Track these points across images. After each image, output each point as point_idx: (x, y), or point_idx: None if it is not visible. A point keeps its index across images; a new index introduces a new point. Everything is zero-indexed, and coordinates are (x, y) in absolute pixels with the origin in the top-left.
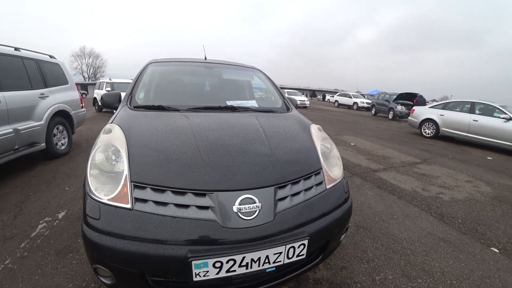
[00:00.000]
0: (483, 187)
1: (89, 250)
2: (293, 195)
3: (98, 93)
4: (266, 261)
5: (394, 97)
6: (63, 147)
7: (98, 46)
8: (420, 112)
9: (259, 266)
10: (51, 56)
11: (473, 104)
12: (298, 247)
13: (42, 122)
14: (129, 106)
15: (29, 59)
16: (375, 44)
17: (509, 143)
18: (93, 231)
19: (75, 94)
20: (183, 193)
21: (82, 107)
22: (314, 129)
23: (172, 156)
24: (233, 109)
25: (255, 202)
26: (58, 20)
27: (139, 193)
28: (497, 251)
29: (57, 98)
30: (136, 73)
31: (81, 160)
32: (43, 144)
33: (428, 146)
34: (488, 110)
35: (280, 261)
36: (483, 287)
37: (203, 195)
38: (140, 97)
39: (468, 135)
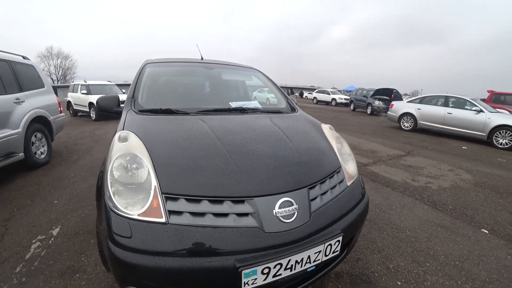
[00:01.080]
0: (464, 174)
1: (121, 272)
2: (322, 194)
3: (72, 96)
4: (308, 261)
5: (372, 92)
6: (42, 156)
7: (66, 46)
8: (399, 107)
9: (301, 266)
10: (24, 57)
11: (446, 98)
12: (334, 243)
13: (19, 129)
14: (135, 110)
15: (1, 61)
16: (349, 41)
17: (480, 133)
18: (124, 250)
19: (52, 98)
20: (220, 202)
21: (60, 112)
22: (326, 128)
23: (202, 163)
24: (242, 110)
25: (292, 205)
26: (19, 17)
27: (172, 205)
28: (487, 232)
29: (34, 103)
30: (132, 74)
31: (65, 169)
32: (21, 154)
33: (409, 139)
34: (460, 103)
35: (319, 259)
36: (482, 265)
37: (242, 202)
38: (144, 100)
39: (444, 127)
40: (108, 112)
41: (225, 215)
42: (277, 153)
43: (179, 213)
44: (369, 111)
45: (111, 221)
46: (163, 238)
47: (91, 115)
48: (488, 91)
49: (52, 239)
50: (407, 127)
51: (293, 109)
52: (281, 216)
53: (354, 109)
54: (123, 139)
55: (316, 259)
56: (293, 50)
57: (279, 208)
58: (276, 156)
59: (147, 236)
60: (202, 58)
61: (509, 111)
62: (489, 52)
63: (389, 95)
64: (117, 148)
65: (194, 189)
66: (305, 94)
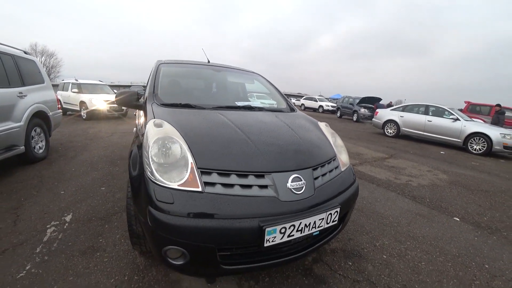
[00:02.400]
0: (440, 175)
1: (164, 233)
2: (323, 175)
3: (62, 95)
4: (313, 226)
5: (358, 100)
6: (40, 151)
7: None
8: (383, 114)
9: (309, 230)
10: (25, 52)
11: (427, 106)
12: (333, 214)
13: (21, 123)
14: (158, 104)
15: (5, 55)
16: (335, 51)
17: (457, 139)
18: (168, 214)
19: (51, 94)
20: (246, 176)
21: (58, 108)
22: (322, 125)
23: (229, 145)
24: (250, 108)
25: (301, 180)
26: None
27: (207, 178)
28: (458, 220)
29: (35, 98)
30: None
31: (64, 164)
32: (22, 148)
33: (392, 144)
34: (439, 112)
35: (322, 226)
36: (453, 244)
37: (262, 176)
38: (164, 96)
39: (424, 133)
40: (128, 105)
41: (249, 186)
42: (287, 140)
43: (212, 184)
44: (355, 118)
45: (154, 191)
46: (201, 203)
47: (82, 114)
48: (465, 102)
49: (67, 224)
50: (390, 133)
51: (292, 109)
52: (293, 189)
53: (340, 116)
54: (158, 125)
55: (320, 225)
56: (280, 58)
57: (291, 182)
58: (286, 142)
59: (187, 202)
60: (208, 61)
61: (484, 120)
62: (466, 66)
63: (374, 103)
64: (155, 132)
65: (224, 165)
66: (293, 100)
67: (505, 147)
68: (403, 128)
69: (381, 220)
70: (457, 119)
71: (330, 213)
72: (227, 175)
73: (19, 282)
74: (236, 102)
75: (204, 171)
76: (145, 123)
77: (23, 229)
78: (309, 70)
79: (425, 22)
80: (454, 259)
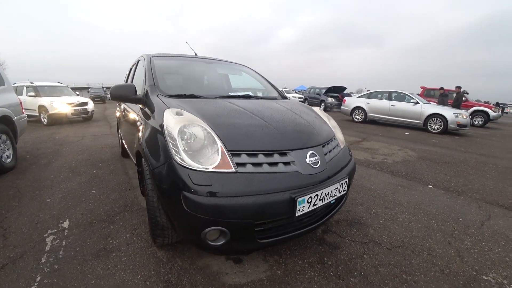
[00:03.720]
0: (409, 152)
1: (203, 215)
2: (329, 151)
3: None
4: (331, 194)
5: (324, 90)
6: (8, 160)
7: None
8: (351, 102)
9: (328, 199)
10: None
11: (390, 92)
12: (344, 183)
13: None
14: (164, 95)
15: None
16: (296, 43)
17: (418, 121)
18: (207, 196)
19: (14, 97)
20: (271, 154)
21: (23, 113)
22: (317, 109)
23: (250, 129)
24: (250, 97)
25: (316, 156)
26: None
27: (237, 159)
28: (432, 187)
29: None
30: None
31: (39, 172)
32: None
33: (361, 129)
34: (401, 97)
35: (336, 194)
36: (432, 206)
37: (285, 154)
38: (165, 88)
39: (389, 117)
40: (125, 99)
41: (275, 164)
42: (297, 122)
43: (243, 164)
44: (322, 107)
45: (189, 176)
46: (236, 183)
47: (42, 119)
48: (421, 87)
49: (66, 231)
50: (358, 119)
51: (284, 97)
52: (311, 164)
53: None
54: (179, 114)
55: (335, 194)
56: (242, 52)
57: (309, 157)
58: (297, 124)
59: (224, 182)
60: (196, 54)
61: (437, 103)
62: (419, 54)
63: (339, 92)
64: (177, 120)
65: (251, 146)
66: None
67: (458, 125)
68: (370, 114)
69: (370, 193)
70: (417, 103)
71: (342, 183)
72: (255, 155)
73: None
74: (235, 92)
75: (234, 153)
76: (157, 114)
77: (16, 242)
78: (272, 64)
79: (381, 13)
80: (435, 217)
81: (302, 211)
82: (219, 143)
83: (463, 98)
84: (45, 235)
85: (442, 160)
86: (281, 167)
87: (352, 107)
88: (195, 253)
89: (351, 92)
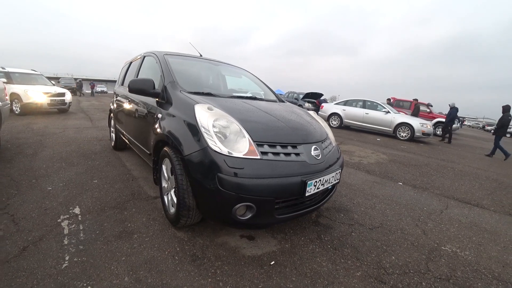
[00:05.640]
0: (381, 155)
1: (237, 192)
2: (326, 147)
3: None
4: (329, 181)
5: (302, 96)
6: None
7: None
8: (328, 108)
9: (327, 183)
10: None
11: (364, 101)
12: (338, 173)
13: None
14: (185, 92)
15: None
16: (273, 47)
17: (388, 129)
18: (240, 177)
19: None
20: (286, 146)
21: (6, 99)
22: (313, 112)
23: (269, 125)
24: (255, 98)
25: (318, 150)
26: None
27: (261, 149)
28: (402, 184)
29: None
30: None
31: (28, 161)
32: None
33: (338, 134)
34: (374, 106)
35: (332, 182)
36: (402, 198)
37: (295, 147)
38: (184, 84)
39: (363, 124)
40: (144, 93)
41: (289, 154)
42: (301, 122)
43: (266, 153)
44: None
45: (225, 161)
46: (262, 167)
47: (14, 108)
48: (392, 98)
49: (80, 216)
50: (334, 125)
51: (281, 100)
52: (315, 155)
53: None
54: (210, 109)
55: (331, 181)
56: (218, 52)
57: (313, 151)
58: (302, 123)
59: (253, 166)
60: (200, 55)
61: (405, 113)
62: (390, 66)
63: (316, 98)
64: (210, 114)
65: (271, 138)
66: None
67: (423, 133)
68: (346, 120)
69: (351, 187)
70: (388, 112)
71: (336, 173)
72: (274, 146)
73: (68, 271)
74: (243, 93)
75: (258, 143)
76: (185, 108)
77: (30, 226)
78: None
79: (355, 25)
80: (405, 206)
81: (309, 192)
82: (247, 135)
83: (428, 110)
84: (58, 220)
85: (410, 163)
86: (293, 157)
87: (329, 113)
88: (211, 233)
89: (325, 99)
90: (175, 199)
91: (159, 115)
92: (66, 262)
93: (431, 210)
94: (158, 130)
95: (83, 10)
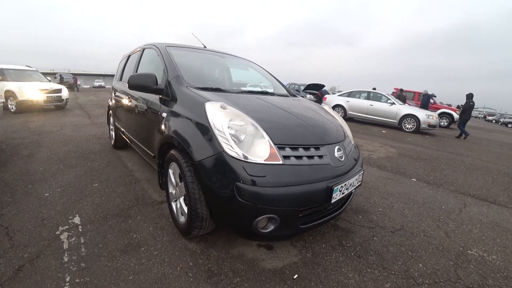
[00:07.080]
0: (390, 149)
1: (259, 204)
2: (347, 146)
3: None
4: (353, 184)
5: (303, 87)
6: None
7: None
8: (331, 100)
9: (351, 188)
10: None
11: (368, 93)
12: (361, 175)
13: None
14: (192, 87)
15: None
16: (273, 38)
17: (393, 120)
18: (262, 186)
19: None
20: (308, 148)
21: (0, 97)
22: (328, 107)
23: (288, 123)
24: (266, 93)
25: (341, 150)
26: None
27: (283, 152)
28: (415, 180)
29: None
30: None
31: (24, 164)
32: None
33: None
34: (378, 97)
35: (355, 184)
36: (419, 195)
37: (318, 148)
38: (190, 79)
39: (367, 116)
40: (146, 89)
41: (312, 157)
42: (321, 119)
43: (288, 157)
44: None
45: (244, 167)
46: (285, 174)
47: (9, 106)
48: (395, 89)
49: (80, 227)
50: None
51: (293, 95)
52: (338, 157)
53: None
54: (223, 107)
55: (355, 184)
56: (218, 44)
57: (337, 152)
58: (322, 121)
59: (276, 173)
60: (204, 47)
61: (409, 104)
62: (393, 56)
63: (318, 89)
64: (224, 114)
65: (292, 140)
66: None
67: (429, 125)
68: (349, 112)
69: (365, 185)
70: (393, 103)
71: (360, 174)
72: (296, 148)
73: None
74: (253, 88)
75: (280, 146)
76: (194, 106)
77: (26, 241)
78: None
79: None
80: (423, 205)
81: (335, 198)
82: (266, 137)
83: (431, 101)
84: (57, 233)
85: (419, 156)
86: (316, 160)
87: (332, 104)
88: (226, 243)
89: (326, 90)
90: (184, 207)
91: (164, 114)
92: (67, 284)
93: (450, 209)
94: (163, 130)
95: (77, 4)
